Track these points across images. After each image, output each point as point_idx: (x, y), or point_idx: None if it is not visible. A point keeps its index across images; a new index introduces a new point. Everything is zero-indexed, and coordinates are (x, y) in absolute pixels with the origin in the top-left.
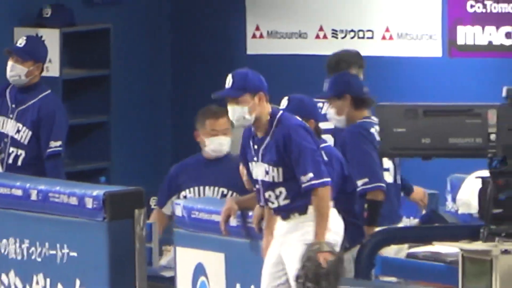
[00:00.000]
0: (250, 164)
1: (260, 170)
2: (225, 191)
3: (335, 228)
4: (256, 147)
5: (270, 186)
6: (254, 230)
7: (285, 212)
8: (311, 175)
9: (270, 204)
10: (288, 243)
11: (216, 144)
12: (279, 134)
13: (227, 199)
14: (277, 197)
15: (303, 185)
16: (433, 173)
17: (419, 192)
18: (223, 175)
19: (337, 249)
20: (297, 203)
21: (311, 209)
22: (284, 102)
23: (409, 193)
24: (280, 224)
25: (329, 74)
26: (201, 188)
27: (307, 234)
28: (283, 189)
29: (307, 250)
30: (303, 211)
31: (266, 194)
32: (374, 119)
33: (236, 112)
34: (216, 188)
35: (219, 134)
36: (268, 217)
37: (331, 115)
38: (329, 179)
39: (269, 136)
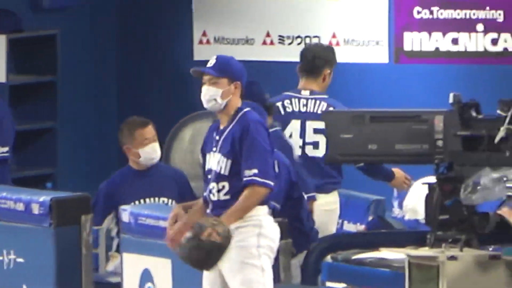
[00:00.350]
0: (208, 155)
1: (214, 160)
2: (166, 200)
3: (271, 235)
4: (217, 137)
5: (216, 177)
6: None
7: (222, 209)
8: (255, 171)
9: (211, 196)
10: None
11: (151, 151)
12: (239, 126)
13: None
14: (219, 191)
15: (244, 179)
16: None
17: (399, 177)
18: (160, 184)
19: (266, 255)
20: (235, 201)
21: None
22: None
23: (390, 179)
24: None
25: (303, 68)
26: (142, 201)
27: (244, 240)
28: (226, 184)
29: (206, 219)
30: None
31: (211, 185)
32: (278, 126)
33: (210, 92)
34: (156, 199)
35: (150, 141)
36: (193, 210)
37: None
38: (272, 184)
39: (230, 127)
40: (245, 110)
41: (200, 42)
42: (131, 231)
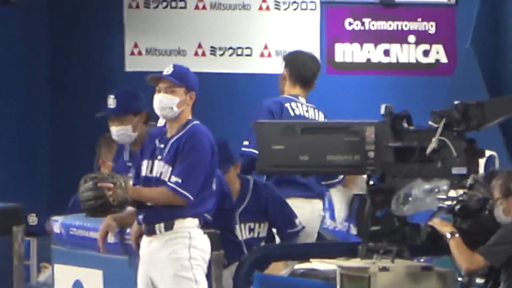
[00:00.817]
0: (146, 161)
1: (159, 168)
2: None
3: (202, 246)
4: (162, 145)
5: (158, 185)
6: (132, 247)
7: (155, 218)
8: (179, 180)
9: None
10: (155, 262)
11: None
12: (185, 135)
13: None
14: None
15: (168, 182)
16: None
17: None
18: None
19: (199, 266)
20: (168, 211)
21: (177, 225)
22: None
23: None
24: (145, 242)
25: (302, 77)
26: None
27: (176, 253)
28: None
29: (118, 178)
30: (169, 227)
31: None
32: None
33: (167, 100)
34: None
35: None
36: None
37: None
38: (190, 198)
39: (177, 136)
40: (195, 122)
41: (132, 53)
42: (62, 242)
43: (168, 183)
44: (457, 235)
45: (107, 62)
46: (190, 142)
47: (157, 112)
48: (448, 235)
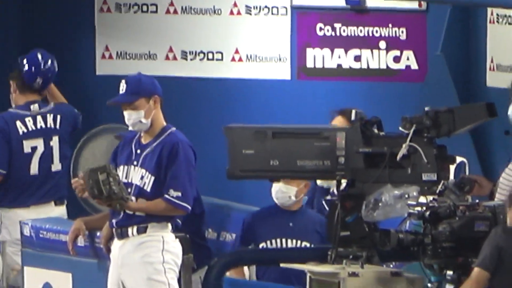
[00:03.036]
0: (122, 167)
1: (137, 175)
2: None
3: (175, 250)
4: (138, 151)
5: (138, 192)
6: (102, 250)
7: (131, 222)
8: (179, 193)
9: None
10: (128, 265)
11: None
12: (168, 144)
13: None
14: None
15: (167, 196)
16: None
17: None
18: (304, 229)
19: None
20: (148, 216)
21: (150, 229)
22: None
23: None
24: (117, 245)
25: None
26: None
27: (149, 256)
28: (145, 201)
29: (122, 188)
30: (142, 231)
31: (131, 198)
32: None
33: (132, 116)
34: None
35: None
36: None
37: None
38: (189, 208)
39: (155, 143)
40: (172, 128)
41: (103, 56)
42: (32, 245)
43: (168, 197)
44: None
45: (78, 66)
46: (176, 153)
47: (131, 129)
48: None
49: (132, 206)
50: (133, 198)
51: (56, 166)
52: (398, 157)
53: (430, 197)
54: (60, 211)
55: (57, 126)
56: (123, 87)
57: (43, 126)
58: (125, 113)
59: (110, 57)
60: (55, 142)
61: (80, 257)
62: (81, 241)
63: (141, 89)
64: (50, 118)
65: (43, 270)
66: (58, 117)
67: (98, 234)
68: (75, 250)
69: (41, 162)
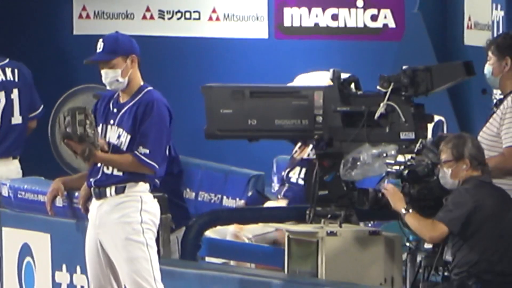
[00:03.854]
0: (101, 125)
1: (113, 134)
2: None
3: (153, 210)
4: (115, 110)
5: (115, 150)
6: (80, 210)
7: (108, 182)
8: (147, 151)
9: (105, 169)
10: (105, 225)
11: None
12: (143, 102)
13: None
14: None
15: (135, 152)
16: (259, 154)
17: None
18: None
19: (150, 230)
20: (127, 176)
21: (128, 189)
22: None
23: None
24: (95, 205)
25: None
26: None
27: (127, 216)
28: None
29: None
30: (120, 191)
31: None
32: None
33: (109, 75)
34: None
35: None
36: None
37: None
38: (156, 167)
39: (132, 102)
40: (149, 88)
41: (80, 16)
42: (10, 205)
43: (137, 153)
44: (411, 210)
45: (56, 26)
46: (150, 111)
47: (109, 87)
48: (403, 211)
49: (100, 155)
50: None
51: (17, 119)
52: (376, 116)
53: (408, 156)
54: (17, 165)
55: (16, 79)
56: (100, 45)
57: (4, 79)
58: (102, 72)
59: (88, 16)
60: (15, 95)
61: (58, 218)
62: (59, 202)
63: (118, 48)
64: (9, 71)
65: (22, 230)
66: (16, 70)
67: (76, 194)
68: (54, 210)
69: (3, 115)
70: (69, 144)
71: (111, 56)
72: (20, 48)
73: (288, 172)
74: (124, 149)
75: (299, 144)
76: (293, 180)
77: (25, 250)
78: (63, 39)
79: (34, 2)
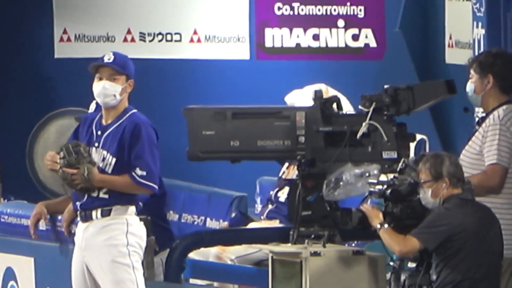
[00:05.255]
0: None
1: (98, 156)
2: None
3: (139, 233)
4: (99, 132)
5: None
6: (64, 234)
7: (94, 206)
8: (144, 173)
9: (91, 193)
10: (92, 248)
11: None
12: (129, 125)
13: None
14: (100, 188)
15: (134, 174)
16: (242, 175)
17: None
18: None
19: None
20: (113, 199)
21: (114, 211)
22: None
23: None
24: (81, 228)
25: None
26: None
27: (113, 239)
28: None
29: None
30: (106, 213)
31: None
32: None
33: (110, 87)
34: None
35: None
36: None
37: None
38: (155, 187)
39: (116, 124)
40: (133, 110)
41: (61, 39)
42: None
43: (134, 175)
44: (386, 225)
45: (36, 49)
46: (139, 134)
47: (99, 99)
48: (378, 226)
49: (99, 176)
50: (95, 170)
51: None
52: (358, 136)
53: (391, 175)
54: None
55: None
56: (110, 57)
57: None
58: (100, 82)
59: (69, 39)
60: None
61: (42, 241)
62: (42, 225)
63: (127, 67)
64: None
65: (5, 254)
66: None
67: (59, 217)
68: (37, 234)
69: None
70: (67, 172)
71: (121, 70)
72: (1, 71)
73: (277, 192)
74: (109, 172)
75: (286, 164)
76: (282, 199)
77: (9, 274)
78: (44, 62)
79: (15, 25)
